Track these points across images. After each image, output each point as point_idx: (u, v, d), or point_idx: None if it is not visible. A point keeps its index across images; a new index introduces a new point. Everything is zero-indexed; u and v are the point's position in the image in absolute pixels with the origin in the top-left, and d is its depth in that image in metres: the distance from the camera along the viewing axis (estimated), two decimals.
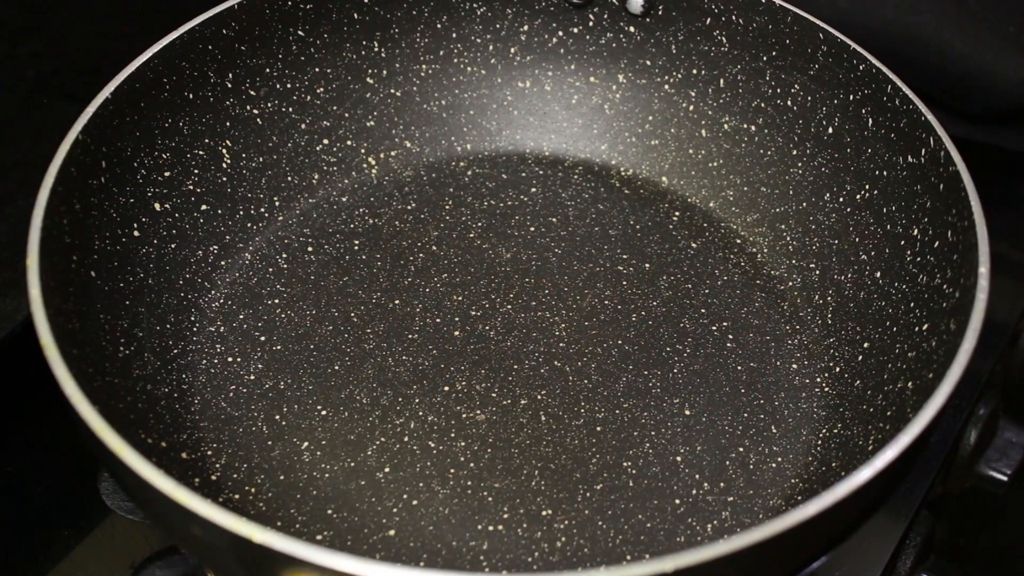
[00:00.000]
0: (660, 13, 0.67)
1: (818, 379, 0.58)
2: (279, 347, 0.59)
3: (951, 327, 0.51)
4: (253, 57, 0.64)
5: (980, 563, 0.66)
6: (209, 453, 0.55)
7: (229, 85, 0.63)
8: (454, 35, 0.69)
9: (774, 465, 0.55)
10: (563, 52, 0.69)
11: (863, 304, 0.59)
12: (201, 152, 0.62)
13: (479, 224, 0.66)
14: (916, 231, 0.57)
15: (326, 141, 0.67)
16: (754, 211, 0.66)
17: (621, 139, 0.69)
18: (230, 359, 0.58)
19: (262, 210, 0.65)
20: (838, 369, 0.58)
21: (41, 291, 0.48)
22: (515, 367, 0.59)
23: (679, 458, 0.55)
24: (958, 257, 0.53)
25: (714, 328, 0.61)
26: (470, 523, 0.53)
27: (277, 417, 0.56)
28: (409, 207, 0.66)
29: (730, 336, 0.60)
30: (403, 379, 0.58)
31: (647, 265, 0.64)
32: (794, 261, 0.63)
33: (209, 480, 0.54)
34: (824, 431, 0.56)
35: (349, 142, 0.68)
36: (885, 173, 0.60)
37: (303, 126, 0.66)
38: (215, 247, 0.62)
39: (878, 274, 0.59)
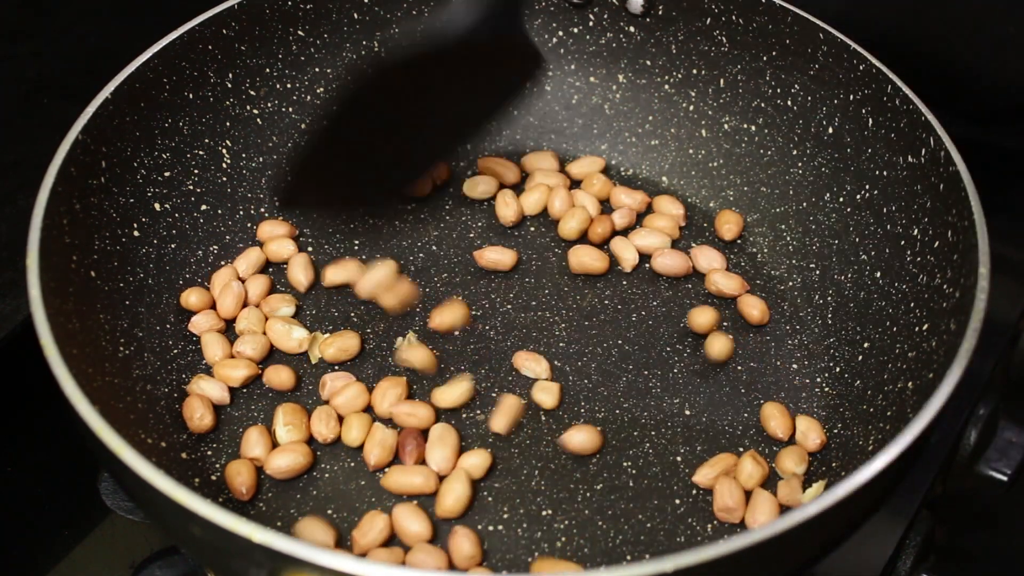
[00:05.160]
0: (660, 13, 0.67)
1: (818, 379, 0.58)
2: None
3: (951, 327, 0.51)
4: (253, 57, 0.64)
5: (980, 563, 0.66)
6: (209, 453, 0.55)
7: (229, 85, 0.63)
8: None
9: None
10: (563, 52, 0.69)
11: (863, 304, 0.59)
12: (201, 152, 0.62)
13: (479, 224, 0.65)
14: (916, 231, 0.57)
15: None
16: (754, 211, 0.66)
17: (621, 139, 0.69)
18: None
19: (262, 210, 0.65)
20: (838, 369, 0.58)
21: (41, 291, 0.48)
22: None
23: (679, 458, 0.55)
24: (958, 257, 0.53)
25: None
26: (470, 523, 0.53)
27: None
28: (409, 207, 0.66)
29: (730, 336, 0.60)
30: None
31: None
32: (794, 261, 0.63)
33: (209, 480, 0.54)
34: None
35: None
36: (885, 173, 0.60)
37: (303, 126, 0.66)
38: (215, 247, 0.62)
39: (878, 274, 0.59)
